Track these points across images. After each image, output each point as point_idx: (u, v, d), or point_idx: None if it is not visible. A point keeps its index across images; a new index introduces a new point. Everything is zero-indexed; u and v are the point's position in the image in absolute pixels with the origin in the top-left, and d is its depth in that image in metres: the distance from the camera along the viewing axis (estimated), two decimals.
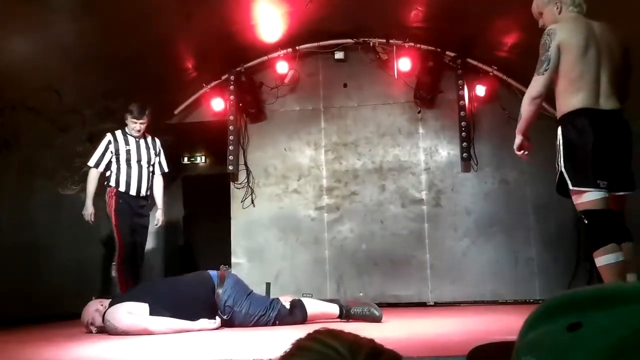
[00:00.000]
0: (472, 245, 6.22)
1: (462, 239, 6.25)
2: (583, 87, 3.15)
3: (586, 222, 3.11)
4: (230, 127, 6.56)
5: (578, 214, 3.23)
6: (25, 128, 4.94)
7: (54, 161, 4.52)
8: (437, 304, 6.10)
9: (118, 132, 5.19)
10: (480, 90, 6.24)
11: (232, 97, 6.55)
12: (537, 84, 3.23)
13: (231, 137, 6.57)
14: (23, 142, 4.98)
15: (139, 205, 5.20)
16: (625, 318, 0.53)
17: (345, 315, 3.95)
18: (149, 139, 5.38)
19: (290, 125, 6.71)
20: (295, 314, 3.92)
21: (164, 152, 5.52)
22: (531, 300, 5.93)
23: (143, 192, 5.20)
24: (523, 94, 5.88)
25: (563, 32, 3.18)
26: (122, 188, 5.03)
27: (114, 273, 4.97)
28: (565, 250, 5.98)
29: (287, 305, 3.97)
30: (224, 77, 6.62)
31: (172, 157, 7.68)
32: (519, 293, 6.02)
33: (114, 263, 4.98)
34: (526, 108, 3.29)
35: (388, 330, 3.46)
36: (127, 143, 5.14)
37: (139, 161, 5.17)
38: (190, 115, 6.85)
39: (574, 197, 3.17)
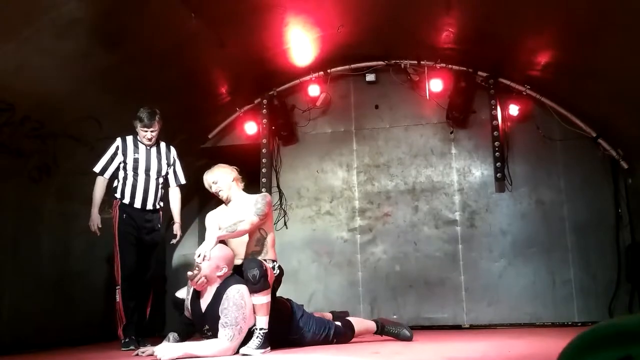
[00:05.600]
0: (508, 267, 6.12)
1: (498, 260, 6.15)
2: None
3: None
4: (263, 150, 6.65)
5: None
6: (65, 155, 5.07)
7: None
8: (472, 327, 6.00)
9: (129, 138, 4.67)
10: (514, 109, 6.19)
11: (264, 120, 6.64)
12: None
13: (264, 160, 6.65)
14: (62, 168, 5.11)
15: (144, 219, 4.62)
16: None
17: (380, 331, 4.18)
18: (163, 147, 4.81)
19: (322, 147, 6.76)
20: (347, 332, 4.10)
21: (180, 162, 4.92)
22: (569, 323, 5.79)
23: (149, 206, 4.64)
24: (558, 113, 5.98)
25: None
26: (126, 200, 4.54)
27: (117, 298, 4.43)
28: (605, 271, 5.83)
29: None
30: (256, 101, 6.73)
31: None
32: (558, 315, 5.88)
33: (117, 287, 4.45)
34: (246, 230, 3.85)
35: (422, 354, 3.42)
36: (136, 151, 4.63)
37: (147, 171, 4.64)
38: (224, 139, 6.96)
39: None
